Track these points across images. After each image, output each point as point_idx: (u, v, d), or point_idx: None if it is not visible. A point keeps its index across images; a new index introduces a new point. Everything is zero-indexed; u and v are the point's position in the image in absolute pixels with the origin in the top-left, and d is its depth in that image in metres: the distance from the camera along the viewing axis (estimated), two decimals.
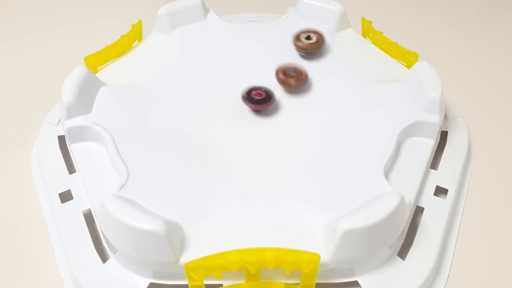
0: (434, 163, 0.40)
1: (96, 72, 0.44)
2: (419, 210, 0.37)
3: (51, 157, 0.41)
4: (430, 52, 0.54)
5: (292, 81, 0.41)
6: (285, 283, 0.32)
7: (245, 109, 0.41)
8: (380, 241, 0.32)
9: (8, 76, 0.52)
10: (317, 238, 0.32)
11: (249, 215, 0.34)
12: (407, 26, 0.59)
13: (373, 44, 0.47)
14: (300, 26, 0.48)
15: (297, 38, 0.45)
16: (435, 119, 0.39)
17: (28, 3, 0.63)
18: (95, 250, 0.34)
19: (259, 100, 0.40)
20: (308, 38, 0.45)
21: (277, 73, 0.42)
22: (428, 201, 0.38)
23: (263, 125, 0.40)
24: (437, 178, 0.39)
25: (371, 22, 0.48)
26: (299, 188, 0.35)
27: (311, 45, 0.44)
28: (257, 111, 0.41)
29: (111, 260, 0.34)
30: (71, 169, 0.40)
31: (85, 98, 0.40)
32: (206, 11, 0.49)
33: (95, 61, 0.44)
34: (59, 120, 0.43)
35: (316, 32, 0.45)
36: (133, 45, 0.47)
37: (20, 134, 0.46)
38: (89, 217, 0.36)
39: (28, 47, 0.56)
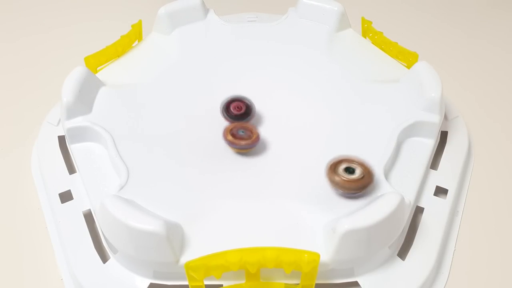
0: (434, 163, 0.40)
1: (96, 72, 0.44)
2: (419, 210, 0.37)
3: (51, 157, 0.41)
4: (430, 52, 0.54)
5: (242, 142, 0.37)
6: (285, 283, 0.32)
7: None
8: (380, 241, 0.32)
9: (8, 76, 0.52)
10: (317, 238, 0.32)
11: (249, 215, 0.34)
12: (407, 26, 0.59)
13: (373, 44, 0.47)
14: (300, 26, 0.48)
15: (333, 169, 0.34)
16: (435, 119, 0.39)
17: (28, 3, 0.63)
18: (95, 250, 0.34)
19: (239, 116, 0.39)
20: (350, 171, 0.34)
21: (224, 134, 0.38)
22: (428, 201, 0.37)
23: (264, 124, 0.40)
24: (437, 178, 0.39)
25: (371, 22, 0.48)
26: (299, 188, 0.35)
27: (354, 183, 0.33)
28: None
29: (111, 260, 0.34)
30: (71, 169, 0.40)
31: (85, 98, 0.40)
32: (206, 11, 0.49)
33: (95, 61, 0.44)
34: (59, 120, 0.43)
35: (361, 165, 0.34)
36: (133, 45, 0.47)
37: (20, 134, 0.46)
38: (89, 217, 0.36)
39: (28, 47, 0.56)
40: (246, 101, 0.40)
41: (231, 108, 0.39)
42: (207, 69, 0.45)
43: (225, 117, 0.39)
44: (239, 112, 0.39)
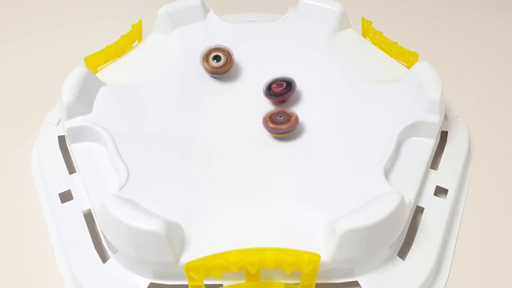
0: (434, 163, 0.40)
1: (96, 72, 0.44)
2: (419, 210, 0.37)
3: (51, 157, 0.41)
4: (430, 52, 0.54)
5: (283, 127, 0.38)
6: (285, 283, 0.32)
7: (245, 109, 0.41)
8: (380, 241, 0.32)
9: (8, 76, 0.52)
10: (317, 238, 0.32)
11: (249, 215, 0.34)
12: (407, 26, 0.59)
13: (373, 44, 0.47)
14: (300, 26, 0.48)
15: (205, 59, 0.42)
16: (435, 119, 0.39)
17: (28, 3, 0.63)
18: (95, 250, 0.34)
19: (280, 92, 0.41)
20: (217, 59, 0.42)
21: (264, 121, 0.39)
22: (428, 201, 0.38)
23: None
24: (437, 178, 0.39)
25: (371, 22, 0.48)
26: (299, 188, 0.35)
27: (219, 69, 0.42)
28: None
29: (111, 260, 0.34)
30: (71, 169, 0.40)
31: (85, 98, 0.40)
32: (206, 11, 0.49)
33: (95, 61, 0.44)
34: (59, 120, 0.43)
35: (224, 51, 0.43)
36: (133, 45, 0.47)
37: (20, 134, 0.46)
38: (89, 217, 0.36)
39: (28, 47, 0.56)
40: (287, 79, 0.41)
41: (273, 88, 0.41)
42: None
43: (268, 97, 0.41)
44: (280, 90, 0.41)
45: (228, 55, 0.42)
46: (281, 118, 0.39)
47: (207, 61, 0.42)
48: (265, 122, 0.39)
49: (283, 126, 0.38)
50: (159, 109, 0.41)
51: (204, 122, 0.40)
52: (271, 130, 0.38)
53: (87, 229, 0.36)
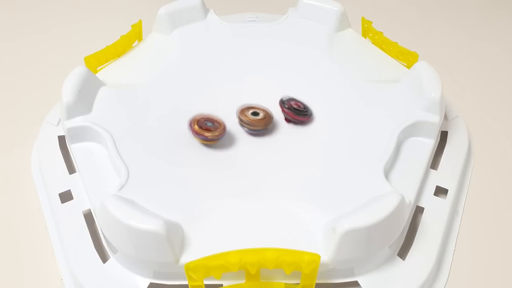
0: (434, 163, 0.40)
1: (96, 72, 0.44)
2: (419, 210, 0.37)
3: (51, 157, 0.41)
4: (430, 52, 0.54)
5: (208, 134, 0.38)
6: (285, 283, 0.32)
7: None
8: (380, 241, 0.32)
9: (8, 76, 0.52)
10: (317, 238, 0.32)
11: (249, 215, 0.34)
12: (407, 26, 0.59)
13: (373, 44, 0.47)
14: (300, 26, 0.48)
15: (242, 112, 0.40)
16: (435, 119, 0.39)
17: (28, 3, 0.63)
18: (95, 250, 0.34)
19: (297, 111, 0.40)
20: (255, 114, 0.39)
21: (190, 124, 0.38)
22: (428, 201, 0.37)
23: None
24: (437, 178, 0.39)
25: (371, 22, 0.48)
26: (299, 188, 0.35)
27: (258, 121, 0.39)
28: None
29: (111, 260, 0.34)
30: (71, 169, 0.40)
31: (85, 98, 0.40)
32: (206, 11, 0.49)
33: (95, 61, 0.44)
34: (59, 120, 0.43)
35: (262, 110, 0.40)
36: (133, 45, 0.47)
37: (20, 134, 0.46)
38: (89, 217, 0.36)
39: (28, 47, 0.56)
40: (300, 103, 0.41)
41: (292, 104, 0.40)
42: (207, 69, 0.45)
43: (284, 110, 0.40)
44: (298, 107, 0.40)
45: (267, 114, 0.40)
46: (210, 124, 0.38)
47: (245, 114, 0.39)
48: (191, 125, 0.38)
49: (207, 134, 0.38)
50: (159, 109, 0.41)
51: None
52: (196, 134, 0.38)
53: (87, 229, 0.36)
